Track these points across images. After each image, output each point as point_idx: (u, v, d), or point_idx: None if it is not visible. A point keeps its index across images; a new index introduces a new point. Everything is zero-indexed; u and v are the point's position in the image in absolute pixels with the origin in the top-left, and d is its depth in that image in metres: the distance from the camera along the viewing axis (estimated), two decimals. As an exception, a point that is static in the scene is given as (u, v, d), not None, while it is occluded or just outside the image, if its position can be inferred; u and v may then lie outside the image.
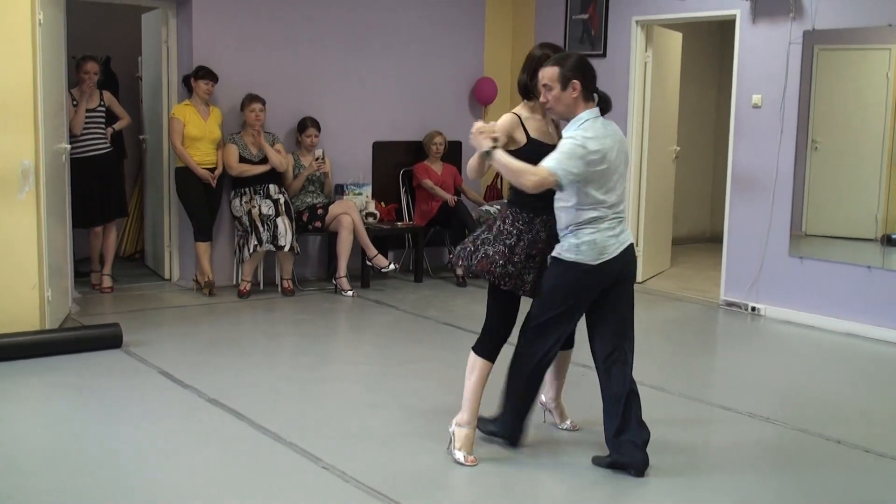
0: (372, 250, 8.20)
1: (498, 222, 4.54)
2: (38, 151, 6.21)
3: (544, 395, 5.03)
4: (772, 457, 4.83)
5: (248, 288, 7.96)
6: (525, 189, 4.22)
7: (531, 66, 4.53)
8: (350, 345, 7.10)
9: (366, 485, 4.21)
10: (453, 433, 4.58)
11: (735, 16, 7.82)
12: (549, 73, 4.30)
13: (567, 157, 4.15)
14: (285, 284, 8.11)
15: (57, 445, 4.73)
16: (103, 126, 7.80)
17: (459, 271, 4.29)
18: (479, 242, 4.55)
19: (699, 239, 11.50)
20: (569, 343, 4.89)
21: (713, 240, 11.03)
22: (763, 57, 7.63)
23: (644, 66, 8.72)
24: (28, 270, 6.22)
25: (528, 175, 4.17)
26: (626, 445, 4.42)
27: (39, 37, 6.17)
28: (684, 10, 8.26)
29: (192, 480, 4.29)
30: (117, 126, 8.02)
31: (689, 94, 10.41)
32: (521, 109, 4.55)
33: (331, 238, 8.45)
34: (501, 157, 4.25)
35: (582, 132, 4.22)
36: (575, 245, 4.31)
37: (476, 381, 4.56)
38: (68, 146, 7.11)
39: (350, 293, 8.11)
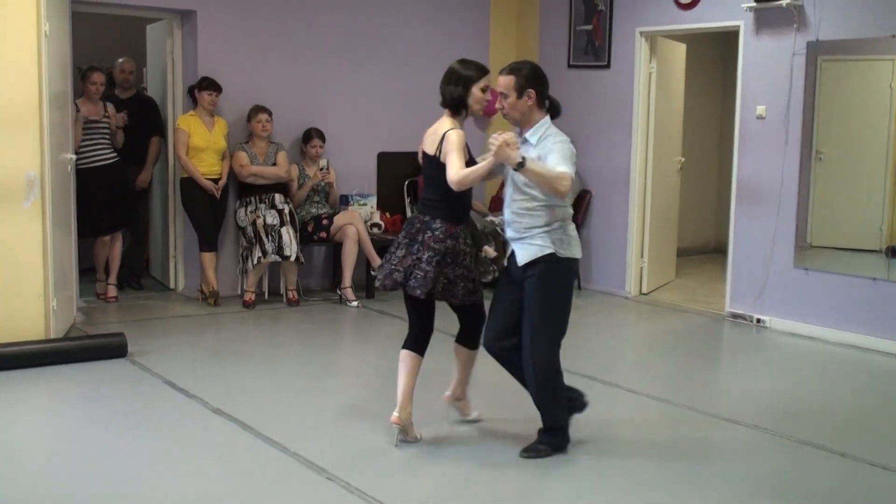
0: (377, 260, 8.20)
1: (450, 242, 4.66)
2: (44, 161, 6.23)
3: (450, 391, 5.20)
4: (776, 470, 4.82)
5: (252, 298, 7.96)
6: (559, 194, 4.41)
7: (464, 81, 4.69)
8: (355, 355, 7.10)
9: (369, 495, 4.21)
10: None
11: (739, 27, 7.83)
12: (504, 82, 4.55)
13: (570, 160, 4.44)
14: (290, 295, 8.11)
15: (61, 454, 4.73)
16: (108, 137, 7.82)
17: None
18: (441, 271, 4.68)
19: (704, 250, 11.49)
20: (474, 343, 5.01)
21: (718, 251, 11.02)
22: (767, 68, 7.64)
23: (648, 77, 8.73)
24: (33, 280, 6.24)
25: (563, 181, 4.35)
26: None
27: (45, 48, 6.20)
28: (688, 21, 8.28)
29: (197, 490, 4.29)
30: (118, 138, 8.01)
31: (693, 106, 10.41)
32: (455, 123, 4.72)
33: (336, 248, 8.46)
34: (535, 166, 4.37)
35: (559, 135, 4.52)
36: (567, 241, 4.60)
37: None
38: (74, 156, 7.13)
39: (355, 303, 8.11)
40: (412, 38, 9.12)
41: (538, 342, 4.63)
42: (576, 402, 4.91)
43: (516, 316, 4.69)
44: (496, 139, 4.32)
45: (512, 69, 4.61)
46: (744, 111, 7.85)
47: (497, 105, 4.65)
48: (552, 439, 4.77)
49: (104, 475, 4.41)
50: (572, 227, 4.68)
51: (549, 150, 4.49)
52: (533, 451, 4.73)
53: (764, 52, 7.66)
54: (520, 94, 4.55)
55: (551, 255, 4.56)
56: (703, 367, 6.84)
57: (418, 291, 4.64)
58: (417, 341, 4.87)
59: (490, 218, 8.84)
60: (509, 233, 4.70)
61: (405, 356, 4.85)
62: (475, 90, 4.69)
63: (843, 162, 7.43)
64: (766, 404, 5.79)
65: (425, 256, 4.64)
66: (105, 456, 4.63)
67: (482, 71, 4.73)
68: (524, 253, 4.60)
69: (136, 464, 4.55)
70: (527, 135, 4.61)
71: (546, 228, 4.57)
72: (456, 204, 4.69)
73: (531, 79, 4.56)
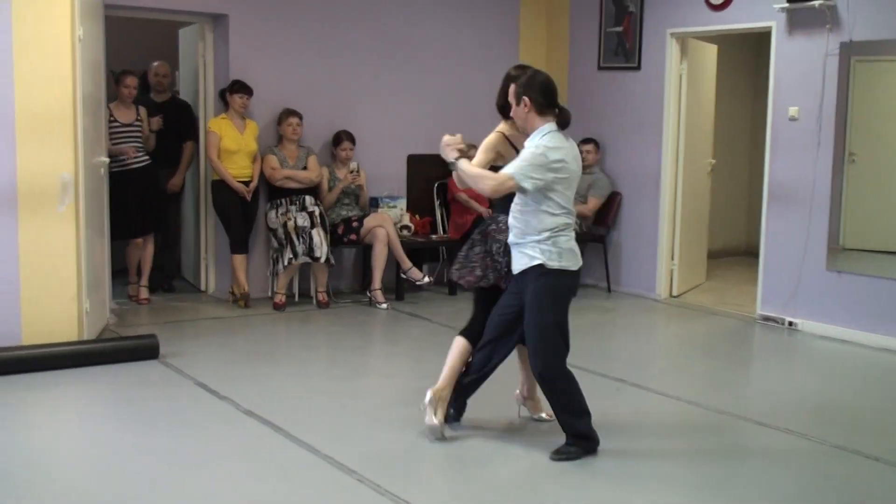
0: (406, 263, 8.22)
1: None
2: (78, 165, 6.29)
3: (518, 390, 5.30)
4: (809, 474, 4.78)
5: (283, 300, 8.00)
6: (484, 193, 4.72)
7: (505, 86, 4.87)
8: (385, 357, 7.11)
9: (400, 497, 4.22)
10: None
11: (771, 28, 7.77)
12: (510, 90, 4.74)
13: (528, 164, 4.51)
14: (320, 297, 8.14)
15: (94, 455, 4.77)
16: (141, 140, 7.87)
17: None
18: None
19: (735, 253, 11.42)
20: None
21: (749, 253, 10.94)
22: (799, 69, 7.58)
23: (679, 78, 8.69)
24: (67, 282, 6.29)
25: (487, 180, 4.61)
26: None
27: (79, 52, 6.26)
28: (720, 22, 8.23)
29: (228, 492, 4.31)
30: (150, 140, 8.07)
31: (724, 107, 10.35)
32: (505, 127, 4.94)
33: (365, 251, 8.48)
34: (464, 165, 4.66)
35: (544, 142, 4.54)
36: (556, 253, 4.60)
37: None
38: (107, 159, 7.20)
39: (384, 306, 8.12)
40: (442, 41, 9.13)
41: (537, 355, 4.71)
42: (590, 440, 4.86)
43: (502, 321, 4.84)
44: (444, 139, 4.70)
45: (513, 77, 4.79)
46: (776, 113, 7.79)
47: (511, 112, 4.78)
48: (580, 442, 4.77)
49: (136, 476, 4.44)
50: (566, 238, 4.63)
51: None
52: (563, 454, 4.73)
53: (796, 53, 7.60)
54: (517, 102, 4.65)
55: (539, 266, 4.60)
56: (734, 370, 6.80)
57: (502, 283, 4.89)
58: (475, 334, 5.00)
59: None
60: (510, 237, 4.76)
61: (461, 343, 5.00)
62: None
63: (877, 163, 7.35)
64: (797, 408, 5.75)
65: (494, 248, 4.89)
66: (137, 457, 4.67)
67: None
68: (516, 262, 4.71)
69: (168, 465, 4.58)
70: (526, 141, 4.70)
71: (536, 238, 4.60)
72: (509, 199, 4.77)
73: (526, 86, 4.63)
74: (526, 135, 4.70)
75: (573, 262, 4.65)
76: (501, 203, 4.90)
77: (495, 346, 4.88)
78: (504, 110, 4.90)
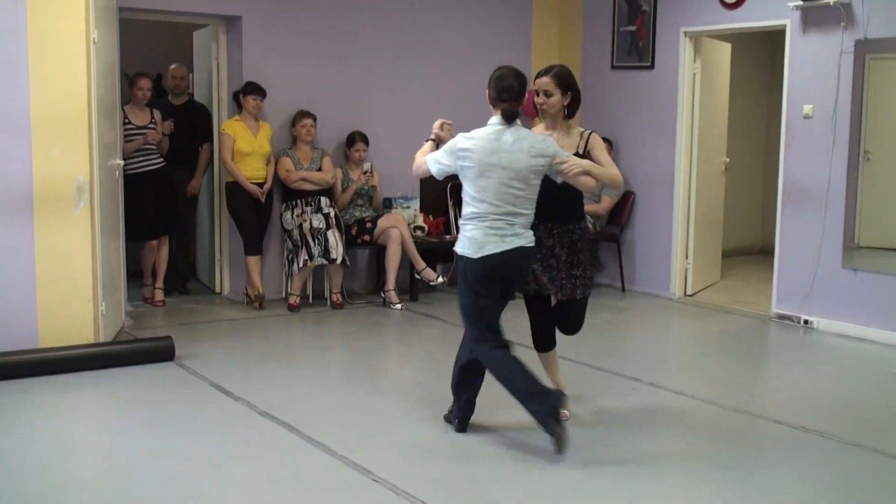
0: (420, 263, 8.22)
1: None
2: (93, 167, 6.31)
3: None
4: (826, 472, 4.77)
5: (297, 301, 8.01)
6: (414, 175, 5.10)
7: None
8: (399, 358, 7.12)
9: (417, 498, 4.22)
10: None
11: (785, 26, 7.75)
12: (541, 84, 5.10)
13: (442, 150, 4.88)
14: (334, 298, 8.15)
15: (110, 457, 4.79)
16: (154, 142, 7.89)
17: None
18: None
19: (750, 251, 11.39)
20: (547, 345, 5.34)
21: (764, 252, 10.91)
22: (814, 67, 7.55)
23: (693, 77, 8.67)
24: (83, 284, 6.32)
25: (414, 161, 5.04)
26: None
27: (94, 55, 6.28)
28: (733, 20, 8.21)
29: (244, 493, 4.32)
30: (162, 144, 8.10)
31: (738, 105, 10.33)
32: (539, 129, 5.18)
33: (379, 251, 8.49)
34: (424, 146, 5.07)
35: (469, 132, 4.82)
36: (463, 240, 4.81)
37: None
38: (122, 162, 7.22)
39: (399, 306, 8.13)
40: (454, 41, 9.13)
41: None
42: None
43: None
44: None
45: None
46: (790, 111, 7.77)
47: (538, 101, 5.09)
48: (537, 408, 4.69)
49: (153, 478, 4.45)
50: (472, 226, 4.77)
51: None
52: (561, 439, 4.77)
53: (811, 51, 7.57)
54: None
55: (456, 252, 4.88)
56: (750, 368, 6.78)
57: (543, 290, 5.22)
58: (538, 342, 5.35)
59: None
60: None
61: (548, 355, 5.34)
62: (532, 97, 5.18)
63: (892, 161, 7.32)
64: (813, 406, 5.73)
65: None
66: (153, 458, 4.68)
67: (536, 75, 5.19)
68: None
69: (184, 466, 4.59)
70: None
71: (462, 222, 4.85)
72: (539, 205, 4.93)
73: (489, 80, 4.92)
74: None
75: (470, 249, 4.76)
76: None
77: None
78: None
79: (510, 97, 4.77)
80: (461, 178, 4.82)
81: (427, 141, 5.09)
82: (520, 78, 4.83)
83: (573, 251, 5.11)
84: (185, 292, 8.59)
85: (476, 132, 4.80)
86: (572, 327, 5.39)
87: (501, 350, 4.81)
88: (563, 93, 5.04)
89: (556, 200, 5.00)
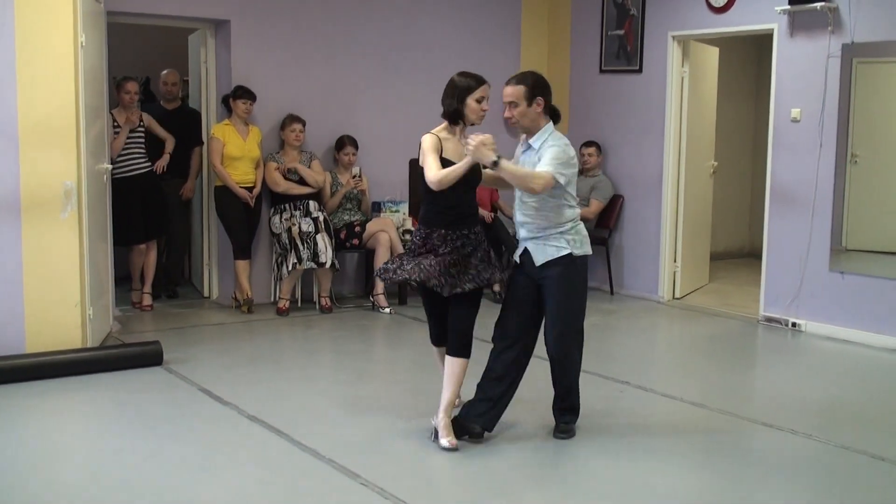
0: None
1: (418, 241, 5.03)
2: (81, 172, 6.30)
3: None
4: (815, 475, 4.78)
5: (286, 305, 8.00)
6: (534, 191, 4.70)
7: (460, 92, 4.90)
8: (388, 362, 7.11)
9: (405, 501, 4.22)
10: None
11: (773, 30, 7.78)
12: (513, 92, 4.82)
13: (560, 162, 4.69)
14: (323, 302, 8.15)
15: (97, 462, 4.77)
16: (143, 146, 7.88)
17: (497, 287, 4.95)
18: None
19: (738, 254, 11.42)
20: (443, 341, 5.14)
21: (752, 255, 10.95)
22: (801, 71, 7.58)
23: (681, 81, 8.70)
24: (70, 289, 6.29)
25: (536, 179, 4.65)
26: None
27: (82, 59, 6.27)
28: (721, 24, 8.23)
29: (233, 497, 4.32)
30: (166, 150, 8.07)
31: (726, 109, 10.36)
32: (439, 131, 4.96)
33: (368, 255, 8.48)
34: (509, 165, 4.68)
35: (561, 141, 4.78)
36: (579, 241, 4.86)
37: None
38: (110, 166, 7.20)
39: (387, 310, 8.13)
40: (444, 45, 9.14)
41: (563, 334, 4.90)
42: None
43: (525, 316, 4.94)
44: (473, 139, 4.61)
45: (519, 79, 4.88)
46: (778, 114, 7.79)
47: (506, 114, 4.88)
48: (575, 415, 5.11)
49: (141, 483, 4.44)
50: (582, 225, 4.95)
51: (544, 151, 4.76)
52: (566, 432, 5.04)
53: (798, 55, 7.60)
54: (530, 103, 4.80)
55: (568, 256, 4.82)
56: (739, 371, 6.80)
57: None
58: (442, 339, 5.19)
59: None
60: (522, 233, 4.93)
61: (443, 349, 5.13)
62: (470, 101, 4.88)
63: (879, 164, 7.36)
64: (803, 408, 5.74)
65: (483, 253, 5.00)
66: (141, 463, 4.67)
67: (479, 82, 4.90)
68: (541, 254, 4.84)
69: (173, 471, 4.58)
70: (531, 140, 4.88)
71: (560, 229, 4.83)
72: (428, 208, 4.99)
73: (541, 88, 4.84)
74: (531, 134, 4.86)
75: (589, 247, 4.94)
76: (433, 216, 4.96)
77: (525, 343, 4.99)
78: (454, 115, 4.91)
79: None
80: (566, 185, 4.78)
81: (498, 160, 4.60)
82: None
83: (464, 255, 4.88)
84: (174, 296, 8.56)
85: (564, 139, 4.84)
86: (454, 326, 4.91)
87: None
88: (527, 103, 4.93)
89: (452, 202, 4.89)
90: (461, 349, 4.87)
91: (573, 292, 4.90)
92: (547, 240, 4.84)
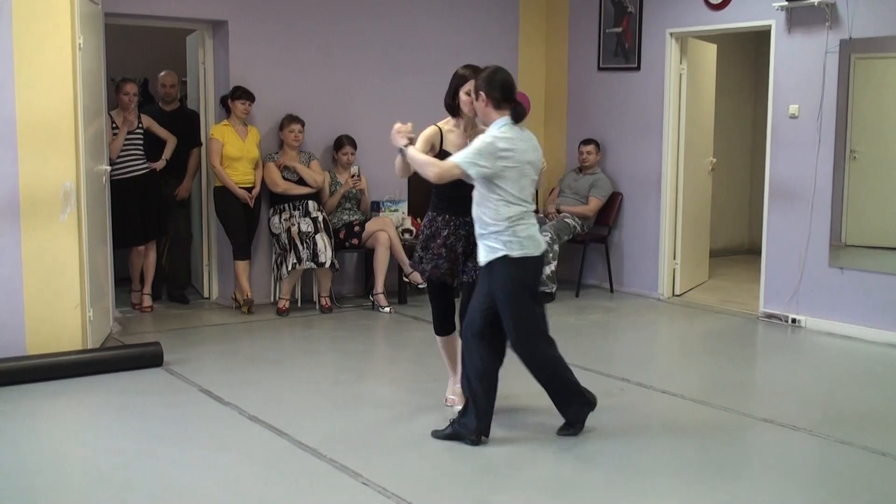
0: (408, 266, 8.22)
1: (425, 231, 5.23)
2: (80, 173, 6.30)
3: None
4: (815, 470, 4.79)
5: (286, 305, 8.00)
6: (429, 179, 4.83)
7: (454, 85, 5.12)
8: (388, 361, 7.12)
9: (406, 500, 4.22)
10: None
11: (770, 26, 7.78)
12: (467, 84, 5.01)
13: (475, 152, 4.68)
14: (323, 302, 8.15)
15: (98, 463, 4.77)
16: (142, 147, 7.87)
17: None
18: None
19: (737, 251, 11.42)
20: (447, 330, 5.38)
21: (751, 251, 10.95)
22: (799, 67, 7.58)
23: (679, 78, 8.70)
24: (70, 291, 6.30)
25: (432, 167, 4.81)
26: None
27: (80, 61, 6.27)
28: (719, 21, 8.23)
29: (234, 497, 4.32)
30: (167, 150, 8.05)
31: (724, 106, 10.36)
32: (444, 123, 5.20)
33: (368, 255, 8.49)
34: (412, 152, 4.90)
35: (494, 132, 4.74)
36: (517, 242, 4.72)
37: None
38: (108, 168, 7.20)
39: (387, 309, 8.13)
40: (442, 44, 9.13)
41: (513, 338, 4.89)
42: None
43: (485, 308, 4.86)
44: (395, 126, 4.92)
45: (475, 72, 5.01)
46: (776, 111, 7.79)
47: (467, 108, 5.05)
48: (579, 410, 5.04)
49: (142, 484, 4.44)
50: (524, 226, 4.76)
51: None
52: (566, 430, 5.03)
53: (796, 51, 7.60)
54: (476, 96, 4.86)
55: (504, 258, 4.75)
56: (739, 368, 6.80)
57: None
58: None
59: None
60: (476, 229, 4.92)
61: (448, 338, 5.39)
62: (461, 93, 5.05)
63: (878, 160, 7.36)
64: (803, 404, 5.75)
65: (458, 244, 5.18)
66: (142, 464, 4.67)
67: (474, 74, 5.00)
68: (482, 254, 4.85)
69: (174, 472, 4.58)
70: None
71: (495, 228, 4.75)
72: (434, 194, 5.22)
73: (486, 82, 4.81)
74: (486, 126, 4.90)
75: (534, 248, 4.79)
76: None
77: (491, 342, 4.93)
78: (451, 108, 5.14)
79: (513, 96, 4.83)
80: (497, 179, 4.69)
81: (406, 147, 4.92)
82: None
83: (469, 243, 5.07)
84: (185, 301, 8.47)
85: (505, 133, 4.74)
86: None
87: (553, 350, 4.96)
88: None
89: (455, 192, 5.03)
90: None
91: (514, 295, 4.76)
92: (486, 239, 4.79)
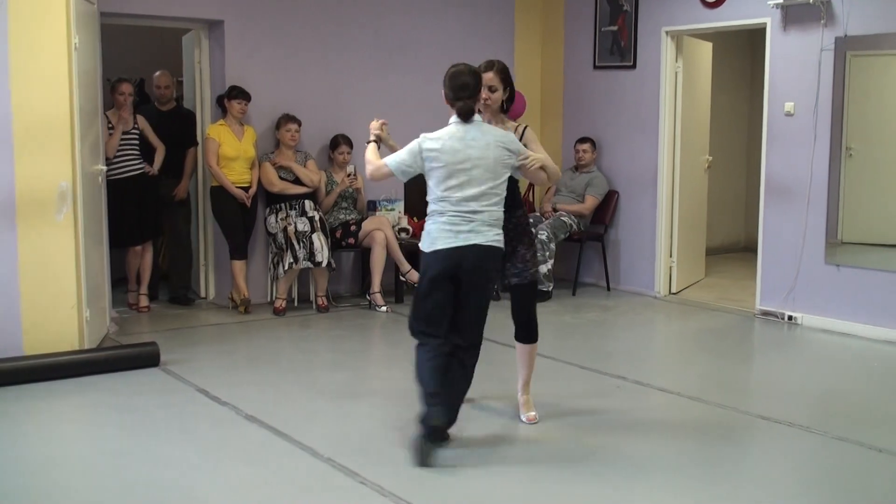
0: (405, 265, 8.23)
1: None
2: (75, 173, 6.29)
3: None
4: (812, 467, 4.79)
5: (283, 305, 8.00)
6: (366, 177, 5.05)
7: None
8: (385, 360, 7.12)
9: (404, 499, 4.22)
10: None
11: (766, 24, 7.79)
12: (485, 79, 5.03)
13: (404, 151, 4.82)
14: (320, 301, 8.15)
15: (95, 463, 4.77)
16: (138, 147, 7.86)
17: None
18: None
19: (733, 248, 11.44)
20: (527, 337, 5.23)
21: (747, 249, 10.97)
22: (795, 64, 7.59)
23: (674, 76, 8.71)
24: (67, 291, 6.29)
25: (368, 165, 4.96)
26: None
27: (75, 60, 6.26)
28: (714, 19, 8.25)
29: (231, 497, 4.32)
30: (157, 159, 8.01)
31: (720, 104, 10.37)
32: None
33: (364, 254, 8.49)
34: (367, 150, 5.03)
35: (429, 133, 4.79)
36: (428, 237, 4.79)
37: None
38: (104, 168, 7.20)
39: (384, 308, 8.13)
40: (437, 43, 9.13)
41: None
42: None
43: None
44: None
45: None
46: (772, 108, 7.81)
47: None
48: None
49: (138, 484, 4.44)
50: (430, 221, 4.80)
51: None
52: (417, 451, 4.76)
53: (791, 49, 7.62)
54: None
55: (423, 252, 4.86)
56: (735, 365, 6.80)
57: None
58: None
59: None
60: None
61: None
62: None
63: (874, 157, 7.37)
64: (800, 401, 5.76)
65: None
66: (139, 464, 4.67)
67: (486, 69, 5.11)
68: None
69: (171, 472, 4.58)
70: None
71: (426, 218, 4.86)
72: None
73: (444, 79, 4.88)
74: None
75: (426, 244, 4.80)
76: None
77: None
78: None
79: (466, 95, 4.76)
80: (427, 178, 4.78)
81: (368, 143, 5.06)
82: (475, 75, 4.83)
83: (508, 240, 4.96)
84: (190, 302, 8.43)
85: (440, 132, 4.76)
86: (522, 320, 5.20)
87: (431, 348, 4.81)
88: (504, 88, 5.10)
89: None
90: (528, 336, 5.20)
91: (418, 285, 4.90)
92: None
